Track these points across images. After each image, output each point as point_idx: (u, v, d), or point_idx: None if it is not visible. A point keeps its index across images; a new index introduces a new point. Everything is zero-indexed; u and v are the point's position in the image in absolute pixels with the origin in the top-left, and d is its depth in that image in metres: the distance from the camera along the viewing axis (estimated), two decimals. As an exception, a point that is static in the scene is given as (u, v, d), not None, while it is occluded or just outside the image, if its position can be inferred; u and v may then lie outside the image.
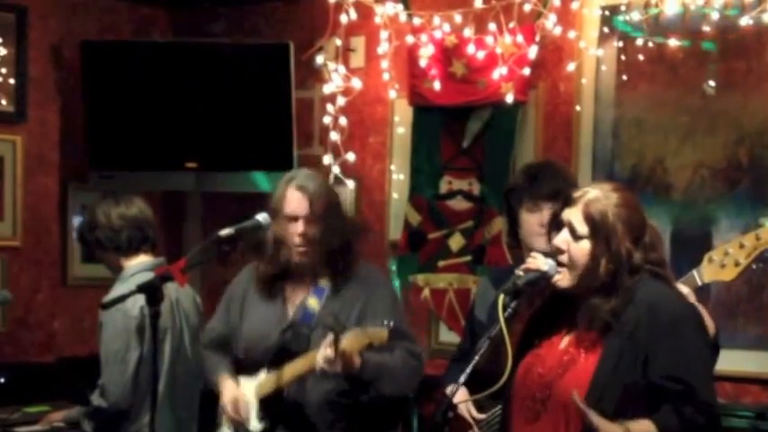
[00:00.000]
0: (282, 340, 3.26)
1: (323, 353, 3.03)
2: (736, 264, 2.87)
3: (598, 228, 2.51)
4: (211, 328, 3.55)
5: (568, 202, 2.58)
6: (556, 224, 2.60)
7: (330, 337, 3.01)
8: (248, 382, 3.33)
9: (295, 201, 3.28)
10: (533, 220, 3.28)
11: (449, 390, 3.34)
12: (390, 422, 3.37)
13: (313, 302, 3.25)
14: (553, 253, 2.58)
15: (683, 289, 2.84)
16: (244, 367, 3.37)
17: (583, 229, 2.53)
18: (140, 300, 3.37)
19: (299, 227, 3.26)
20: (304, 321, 3.27)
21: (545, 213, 3.27)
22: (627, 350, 2.42)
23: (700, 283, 2.90)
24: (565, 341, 2.56)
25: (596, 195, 2.55)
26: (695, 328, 2.51)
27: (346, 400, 3.21)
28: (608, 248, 2.49)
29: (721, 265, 2.89)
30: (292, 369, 3.18)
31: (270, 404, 3.25)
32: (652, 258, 2.53)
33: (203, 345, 3.56)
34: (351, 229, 3.36)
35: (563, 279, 2.55)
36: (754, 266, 2.88)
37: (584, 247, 2.52)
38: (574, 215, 2.55)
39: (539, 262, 2.59)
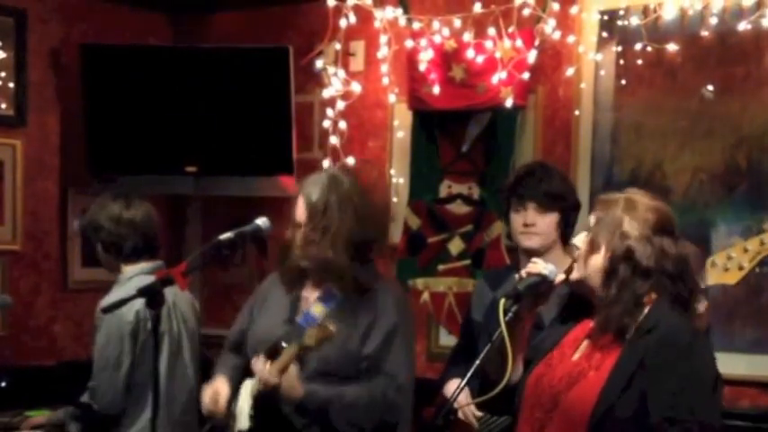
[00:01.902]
0: (280, 338, 3.24)
1: (259, 370, 3.04)
2: (740, 267, 2.88)
3: (601, 218, 2.55)
4: (232, 332, 3.52)
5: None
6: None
7: (262, 357, 3.02)
8: (249, 381, 3.33)
9: (298, 207, 3.28)
10: (518, 220, 3.39)
11: (449, 390, 3.37)
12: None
13: (318, 308, 3.24)
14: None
15: None
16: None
17: (591, 221, 2.58)
18: (136, 304, 3.38)
19: (299, 233, 3.27)
20: (302, 323, 3.26)
21: (529, 213, 3.35)
22: (637, 377, 2.41)
23: (703, 286, 2.90)
24: (578, 353, 2.56)
25: (616, 195, 2.59)
26: (702, 361, 2.47)
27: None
28: (606, 236, 2.51)
29: (725, 268, 2.90)
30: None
31: (260, 404, 3.23)
32: (667, 268, 2.48)
33: (224, 348, 3.54)
34: (362, 235, 3.27)
35: (573, 274, 2.57)
36: (757, 270, 2.88)
37: (587, 237, 2.56)
38: (591, 214, 2.61)
39: (539, 266, 2.61)
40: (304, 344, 2.99)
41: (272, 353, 3.06)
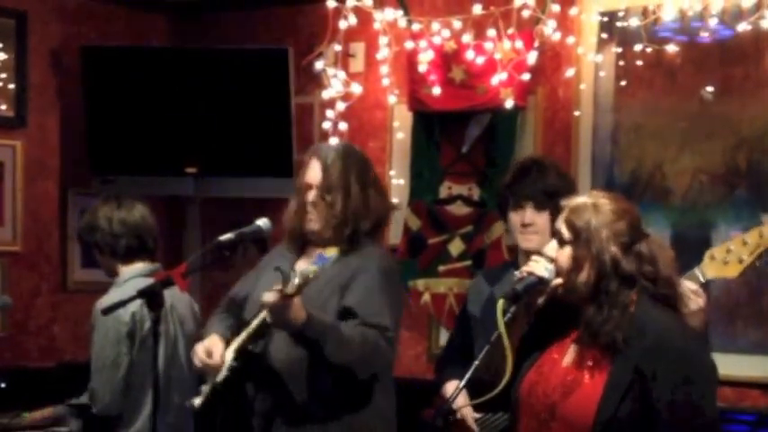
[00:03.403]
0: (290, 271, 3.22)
1: (264, 296, 3.00)
2: (740, 261, 2.86)
3: (579, 231, 2.49)
4: (230, 293, 3.51)
5: (560, 210, 2.59)
6: (553, 233, 2.61)
7: (279, 282, 2.95)
8: (238, 338, 3.32)
9: (312, 169, 3.30)
10: (516, 219, 3.37)
11: (448, 392, 3.37)
12: (353, 399, 3.26)
13: (310, 268, 3.21)
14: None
15: (691, 285, 2.84)
16: None
17: (566, 234, 2.52)
18: (132, 305, 3.38)
19: (311, 195, 3.28)
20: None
21: (527, 212, 3.33)
22: (635, 383, 2.40)
23: (702, 281, 2.89)
24: (567, 358, 2.54)
25: (582, 201, 2.54)
26: (702, 361, 2.47)
27: (309, 358, 3.14)
28: (590, 252, 2.47)
29: (724, 262, 2.88)
30: (256, 321, 3.16)
31: (243, 362, 3.22)
32: (646, 271, 2.47)
33: (219, 307, 3.53)
34: (371, 204, 3.30)
35: (559, 286, 2.55)
36: (757, 264, 2.87)
37: (567, 252, 2.52)
38: (560, 222, 2.55)
39: (538, 267, 2.59)
40: (302, 281, 2.94)
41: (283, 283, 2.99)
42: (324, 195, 3.26)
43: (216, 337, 3.28)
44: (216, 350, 3.20)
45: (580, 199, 2.56)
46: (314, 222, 3.29)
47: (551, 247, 2.56)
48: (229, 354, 3.24)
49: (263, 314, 3.10)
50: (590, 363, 2.47)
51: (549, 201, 3.33)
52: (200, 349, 3.23)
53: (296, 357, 3.16)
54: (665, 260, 2.52)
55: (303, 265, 3.15)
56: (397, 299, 3.36)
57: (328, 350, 3.06)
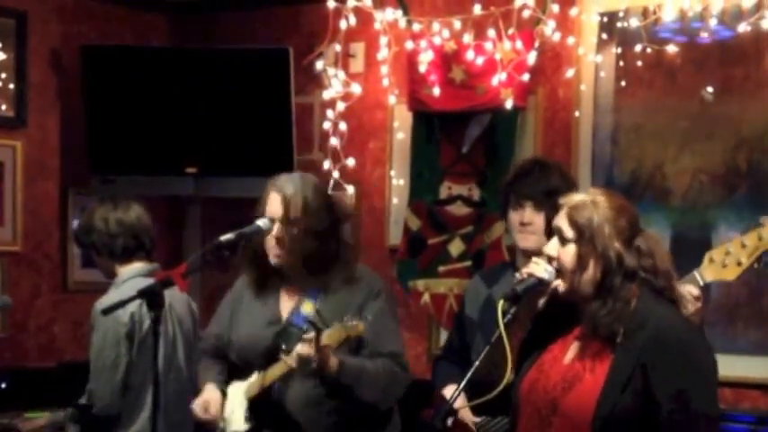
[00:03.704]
0: (276, 342, 3.24)
1: (299, 347, 3.01)
2: (738, 263, 2.86)
3: (583, 229, 2.50)
4: (208, 335, 3.55)
5: (557, 209, 2.59)
6: (550, 232, 2.61)
7: (311, 333, 2.97)
8: (239, 385, 3.33)
9: (272, 204, 3.27)
10: (515, 218, 3.37)
11: (448, 394, 3.37)
12: (376, 426, 3.33)
13: (308, 306, 3.23)
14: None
15: (692, 289, 2.85)
16: (239, 371, 3.37)
17: (569, 232, 2.52)
18: (131, 305, 3.38)
19: (274, 230, 3.25)
20: (297, 323, 3.26)
21: (527, 212, 3.33)
22: (635, 376, 2.40)
23: (702, 283, 2.90)
24: (569, 355, 2.55)
25: (582, 199, 2.55)
26: (702, 353, 2.48)
27: (329, 400, 3.18)
28: (594, 249, 2.48)
29: (723, 264, 2.88)
30: (274, 369, 3.18)
31: (258, 405, 3.25)
32: (646, 265, 2.49)
33: (201, 351, 3.57)
34: (337, 232, 3.30)
35: (560, 286, 2.55)
36: (756, 266, 2.87)
37: (571, 250, 2.52)
38: (561, 220, 2.55)
39: (538, 268, 2.59)
40: (345, 335, 3.00)
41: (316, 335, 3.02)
42: (287, 230, 3.23)
43: (212, 387, 3.32)
44: (213, 403, 3.26)
45: (578, 197, 2.57)
46: (279, 258, 3.27)
47: (552, 246, 2.56)
48: (241, 402, 3.26)
49: (286, 364, 3.11)
50: (591, 358, 2.48)
51: (548, 201, 3.32)
52: (198, 404, 3.28)
53: (313, 400, 3.19)
54: (662, 254, 2.54)
55: (309, 306, 3.21)
56: (398, 321, 3.44)
57: (362, 392, 3.13)
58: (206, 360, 3.48)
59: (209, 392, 3.31)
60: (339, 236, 3.31)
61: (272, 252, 3.27)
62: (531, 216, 3.34)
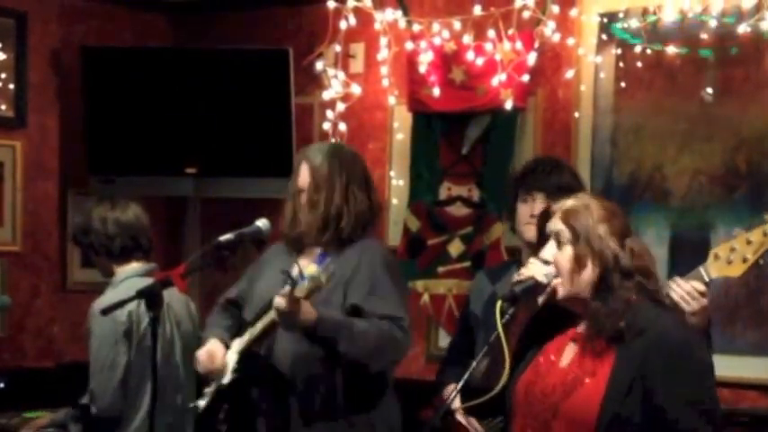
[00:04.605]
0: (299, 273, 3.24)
1: (276, 300, 3.00)
2: (744, 260, 2.85)
3: (579, 230, 2.51)
4: (228, 292, 3.54)
5: (550, 215, 2.60)
6: (544, 239, 2.62)
7: (286, 287, 2.97)
8: (238, 340, 3.33)
9: (301, 173, 3.33)
10: (525, 210, 3.36)
11: (447, 394, 3.37)
12: (367, 395, 3.29)
13: (311, 268, 3.22)
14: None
15: (698, 285, 2.85)
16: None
17: (565, 234, 2.54)
18: (129, 305, 3.38)
19: (302, 198, 3.30)
20: (296, 277, 3.25)
21: (537, 204, 3.33)
22: (636, 381, 2.40)
23: (707, 279, 2.90)
24: (566, 357, 2.55)
25: (573, 203, 2.57)
26: (702, 360, 2.49)
27: (316, 357, 3.16)
28: (591, 249, 2.49)
29: (728, 261, 2.88)
30: (261, 323, 3.17)
31: (248, 361, 3.25)
32: (639, 265, 2.51)
33: (217, 305, 3.55)
34: (362, 200, 3.32)
35: (559, 289, 2.56)
36: (761, 262, 2.86)
37: (568, 252, 2.53)
38: (555, 224, 2.57)
39: (536, 270, 2.59)
40: (312, 286, 2.96)
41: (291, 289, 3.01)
42: (313, 197, 3.29)
43: (215, 340, 3.30)
44: (217, 354, 3.24)
45: (569, 202, 2.59)
46: (302, 225, 3.31)
47: (548, 251, 2.57)
48: (233, 356, 3.25)
49: (270, 316, 3.11)
50: (591, 361, 2.48)
51: (560, 196, 3.30)
52: (202, 354, 3.26)
53: (301, 358, 3.17)
54: (650, 258, 2.57)
55: (311, 268, 3.17)
56: (403, 287, 3.41)
57: (343, 346, 3.08)
58: (214, 316, 3.48)
59: (213, 344, 3.29)
60: (350, 208, 3.31)
61: (297, 219, 3.30)
62: (541, 208, 3.32)
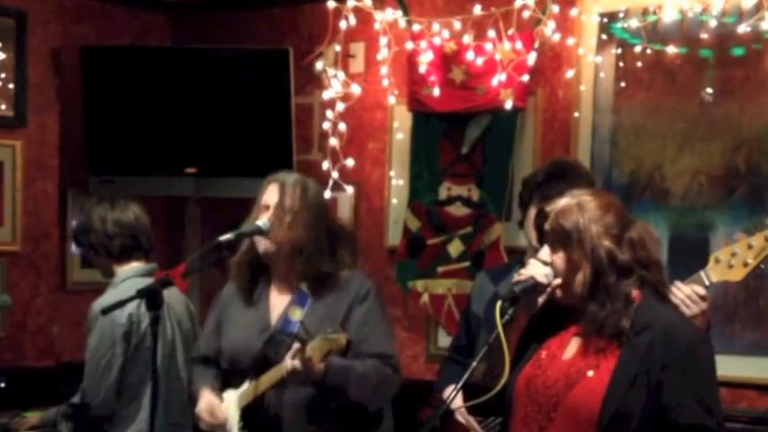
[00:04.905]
0: (265, 349, 3.26)
1: (288, 363, 3.07)
2: (745, 264, 2.86)
3: (570, 233, 2.51)
4: (200, 341, 3.57)
5: (546, 217, 2.60)
6: (544, 239, 2.62)
7: (296, 345, 3.05)
8: (233, 392, 3.35)
9: (268, 191, 3.31)
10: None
11: (446, 394, 3.36)
12: (369, 428, 3.35)
13: (296, 312, 3.25)
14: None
15: (699, 290, 2.85)
16: (231, 378, 3.39)
17: (557, 236, 2.54)
18: (129, 306, 3.39)
19: (268, 215, 3.28)
20: (285, 330, 3.27)
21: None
22: (640, 375, 2.41)
23: (707, 284, 2.90)
24: (569, 351, 2.55)
25: (567, 203, 2.56)
26: (708, 357, 2.50)
27: (320, 406, 3.20)
28: (583, 251, 2.49)
29: (729, 265, 2.88)
30: (268, 378, 3.20)
31: (251, 414, 3.27)
32: (641, 257, 2.51)
33: (193, 358, 3.58)
34: (329, 232, 3.32)
35: (557, 289, 2.56)
36: (762, 267, 2.87)
37: (562, 255, 2.53)
38: (549, 227, 2.57)
39: (536, 270, 2.59)
40: (327, 348, 3.04)
41: (301, 348, 3.07)
42: (280, 216, 3.26)
43: (209, 392, 3.33)
44: (217, 408, 3.29)
45: (563, 201, 2.58)
46: (269, 246, 3.27)
47: (545, 252, 2.58)
48: (233, 410, 3.29)
49: (277, 373, 3.14)
50: (594, 355, 2.49)
51: None
52: (202, 411, 3.30)
53: (307, 407, 3.21)
54: (652, 244, 2.56)
55: (297, 312, 3.23)
56: (389, 322, 3.48)
57: (352, 392, 3.16)
58: (198, 367, 3.50)
59: (210, 398, 3.33)
60: (325, 235, 3.31)
61: (262, 243, 3.27)
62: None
